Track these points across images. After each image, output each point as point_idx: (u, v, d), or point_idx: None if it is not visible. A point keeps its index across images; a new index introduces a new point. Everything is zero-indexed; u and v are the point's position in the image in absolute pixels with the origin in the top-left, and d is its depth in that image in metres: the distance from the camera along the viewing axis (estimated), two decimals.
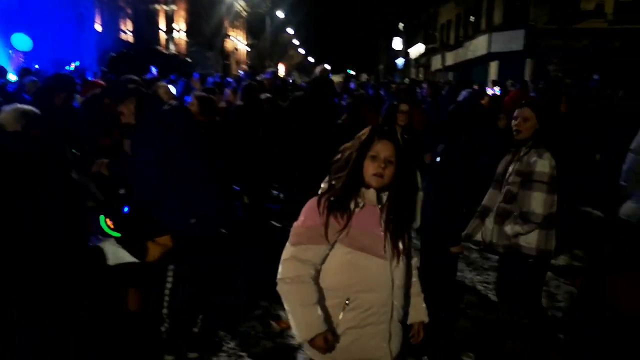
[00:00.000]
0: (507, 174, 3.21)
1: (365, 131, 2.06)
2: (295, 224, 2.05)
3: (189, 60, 23.89)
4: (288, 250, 2.02)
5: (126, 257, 2.65)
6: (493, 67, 19.50)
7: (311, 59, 57.31)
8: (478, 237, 3.34)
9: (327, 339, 1.91)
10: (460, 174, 3.36)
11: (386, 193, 2.06)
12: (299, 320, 1.94)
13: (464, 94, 6.76)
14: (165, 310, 3.29)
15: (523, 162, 3.11)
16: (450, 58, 26.31)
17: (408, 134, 4.80)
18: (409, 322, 2.15)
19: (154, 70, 9.52)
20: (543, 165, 3.03)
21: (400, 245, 2.04)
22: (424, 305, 2.23)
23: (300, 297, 1.96)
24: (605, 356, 2.56)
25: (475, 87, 12.11)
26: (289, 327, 3.87)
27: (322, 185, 2.09)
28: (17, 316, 2.07)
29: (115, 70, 4.07)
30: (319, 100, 4.95)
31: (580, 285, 2.90)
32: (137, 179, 3.07)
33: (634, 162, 3.61)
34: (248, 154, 4.92)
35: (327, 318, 1.95)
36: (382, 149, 2.00)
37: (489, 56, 19.67)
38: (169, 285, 3.28)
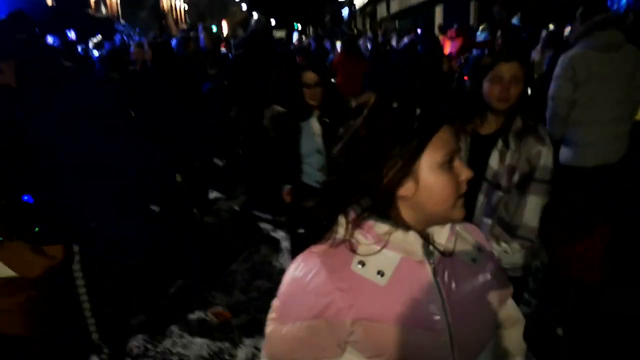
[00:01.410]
0: (489, 170, 2.09)
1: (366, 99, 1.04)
2: (271, 313, 1.10)
3: (123, 22, 22.31)
4: None
5: (3, 270, 2.19)
6: (438, 12, 19.10)
7: (256, 15, 55.16)
8: None
9: None
10: None
11: (444, 231, 1.07)
12: None
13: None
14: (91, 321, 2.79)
15: (516, 151, 2.04)
16: (396, 5, 25.76)
17: (329, 116, 3.01)
18: None
19: (70, 33, 8.64)
20: (547, 157, 2.05)
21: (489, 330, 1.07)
22: None
23: None
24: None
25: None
26: (229, 318, 3.53)
27: (339, 224, 1.07)
28: None
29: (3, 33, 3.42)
30: (259, 57, 4.47)
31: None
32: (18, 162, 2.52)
33: (554, 107, 3.48)
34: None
35: None
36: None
37: (434, 1, 19.27)
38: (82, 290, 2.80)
